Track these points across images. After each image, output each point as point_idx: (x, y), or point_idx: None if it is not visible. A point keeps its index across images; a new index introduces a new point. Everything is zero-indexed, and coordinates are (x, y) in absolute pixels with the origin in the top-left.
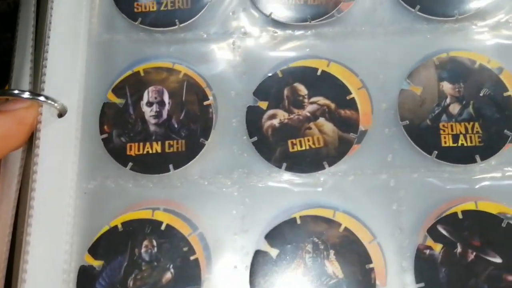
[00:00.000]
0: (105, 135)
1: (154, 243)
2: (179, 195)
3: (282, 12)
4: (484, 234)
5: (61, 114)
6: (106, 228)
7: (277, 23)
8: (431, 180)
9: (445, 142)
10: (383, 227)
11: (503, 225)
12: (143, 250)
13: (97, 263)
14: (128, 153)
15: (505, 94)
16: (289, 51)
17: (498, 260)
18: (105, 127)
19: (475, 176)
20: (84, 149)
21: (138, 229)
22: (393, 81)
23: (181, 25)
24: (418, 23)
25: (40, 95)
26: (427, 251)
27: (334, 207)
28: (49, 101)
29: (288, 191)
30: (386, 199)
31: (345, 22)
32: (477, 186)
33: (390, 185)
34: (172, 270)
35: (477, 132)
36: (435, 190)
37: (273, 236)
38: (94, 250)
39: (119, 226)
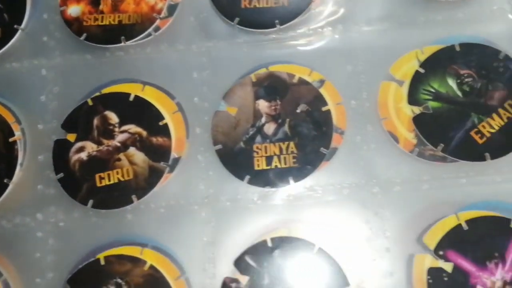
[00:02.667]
0: None
1: None
2: None
3: (97, 35)
4: (295, 262)
5: None
6: None
7: (92, 47)
8: (245, 206)
9: (258, 165)
10: (193, 261)
11: (314, 251)
12: None
13: None
14: None
15: (324, 108)
16: (103, 76)
17: None
18: None
19: (290, 199)
20: None
21: None
22: (209, 102)
23: None
24: (238, 37)
25: None
26: (233, 285)
27: (143, 243)
28: None
29: (95, 230)
30: (198, 231)
31: (163, 41)
32: (292, 210)
33: (202, 216)
34: None
35: (292, 152)
36: (248, 217)
37: (76, 280)
38: None
39: None
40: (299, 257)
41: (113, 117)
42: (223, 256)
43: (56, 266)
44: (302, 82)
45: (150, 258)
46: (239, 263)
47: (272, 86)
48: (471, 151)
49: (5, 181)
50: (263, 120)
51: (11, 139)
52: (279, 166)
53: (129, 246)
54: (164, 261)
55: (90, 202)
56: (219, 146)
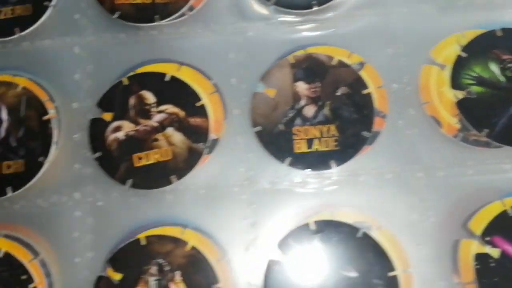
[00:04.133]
0: None
1: None
2: (21, 219)
3: (129, 13)
4: (339, 246)
5: None
6: None
7: (125, 26)
8: (286, 189)
9: (299, 148)
10: (234, 244)
11: (359, 235)
12: None
13: None
14: None
15: (364, 92)
16: (137, 55)
17: (354, 274)
18: None
19: (332, 182)
20: None
21: None
22: (247, 84)
23: (22, 33)
24: (275, 17)
25: None
26: (276, 267)
27: (183, 224)
28: None
29: (135, 210)
30: (238, 213)
31: (197, 21)
32: (333, 193)
33: (242, 198)
34: None
35: (333, 135)
36: (289, 200)
37: (117, 259)
38: None
39: None
40: (343, 241)
41: (149, 97)
42: (265, 239)
43: (95, 245)
44: (341, 64)
45: (192, 239)
46: (282, 246)
47: (311, 68)
48: None
49: (40, 159)
50: (303, 102)
51: (45, 117)
52: (319, 149)
53: (169, 226)
54: (205, 242)
55: (129, 182)
56: (258, 128)
